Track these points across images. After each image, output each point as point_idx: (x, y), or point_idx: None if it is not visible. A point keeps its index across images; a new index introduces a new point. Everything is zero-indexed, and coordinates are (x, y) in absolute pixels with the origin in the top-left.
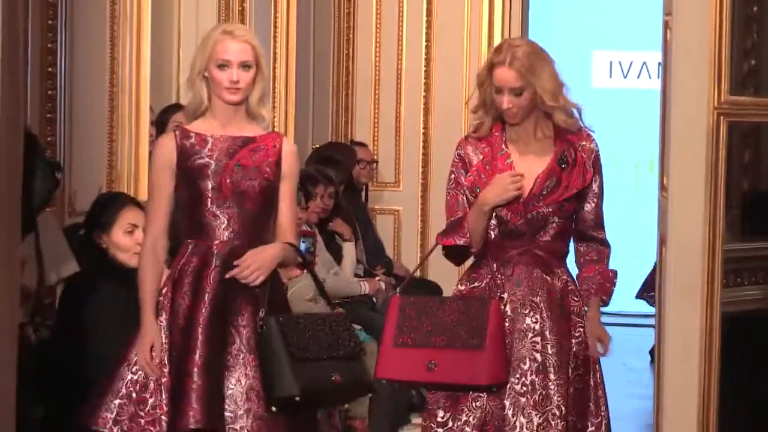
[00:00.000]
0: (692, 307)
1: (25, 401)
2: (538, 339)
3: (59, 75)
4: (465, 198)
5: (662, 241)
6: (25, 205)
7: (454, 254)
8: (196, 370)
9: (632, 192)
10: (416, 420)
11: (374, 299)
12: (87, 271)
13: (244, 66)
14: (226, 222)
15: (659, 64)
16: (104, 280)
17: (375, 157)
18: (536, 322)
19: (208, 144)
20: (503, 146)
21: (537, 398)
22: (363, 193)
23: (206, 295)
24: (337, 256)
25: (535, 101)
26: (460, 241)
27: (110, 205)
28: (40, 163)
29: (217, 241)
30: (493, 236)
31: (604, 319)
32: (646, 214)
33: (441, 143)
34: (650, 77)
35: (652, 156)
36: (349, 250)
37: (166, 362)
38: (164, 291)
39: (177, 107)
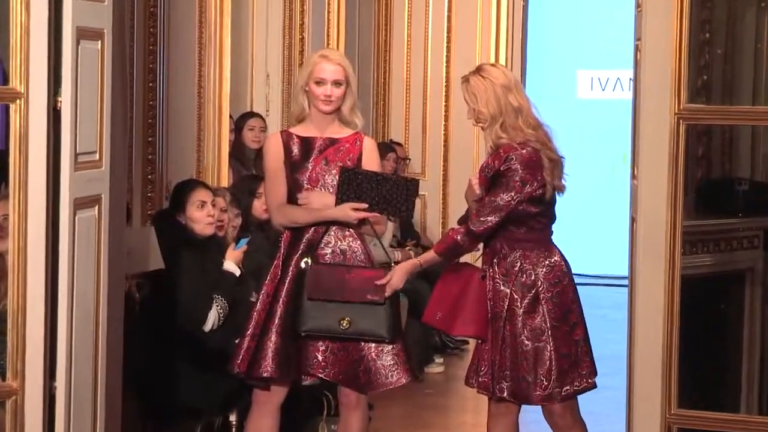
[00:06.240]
0: (658, 271)
1: (132, 346)
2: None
3: (158, 89)
4: None
5: (633, 219)
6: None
7: None
8: None
9: (609, 177)
10: (439, 360)
11: None
12: (172, 244)
13: (336, 83)
14: None
15: (630, 79)
16: (184, 249)
17: (408, 155)
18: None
19: (305, 143)
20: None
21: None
22: None
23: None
24: None
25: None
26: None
27: (184, 188)
28: None
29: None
30: None
31: (587, 280)
32: (620, 195)
33: (457, 143)
34: (623, 90)
35: (624, 151)
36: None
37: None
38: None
39: (251, 114)
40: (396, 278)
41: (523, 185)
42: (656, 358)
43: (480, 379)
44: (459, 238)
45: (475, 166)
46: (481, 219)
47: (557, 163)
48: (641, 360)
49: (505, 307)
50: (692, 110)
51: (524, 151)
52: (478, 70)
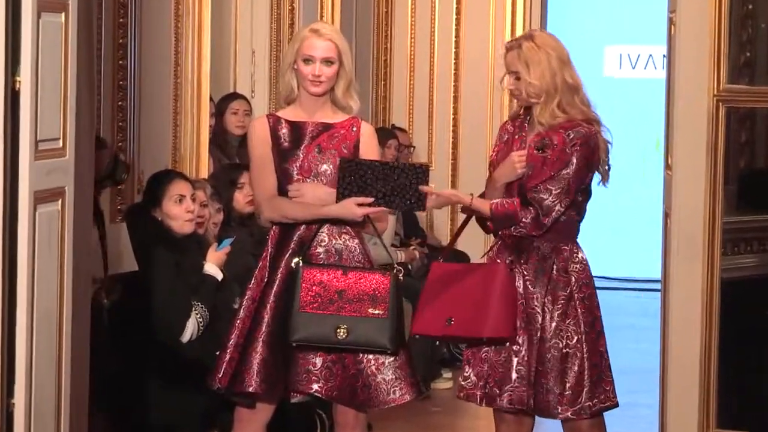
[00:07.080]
0: (694, 273)
1: (100, 357)
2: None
3: (130, 68)
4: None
5: (667, 214)
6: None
7: (484, 224)
8: None
9: (639, 166)
10: (447, 374)
11: (409, 266)
12: (145, 242)
13: (327, 62)
14: None
15: (664, 56)
16: (160, 248)
17: (412, 142)
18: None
19: (294, 129)
20: (525, 127)
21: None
22: None
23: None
24: None
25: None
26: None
27: (160, 180)
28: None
29: None
30: None
31: (614, 284)
32: (651, 188)
33: (468, 128)
34: (655, 68)
35: (657, 137)
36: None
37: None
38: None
39: (234, 96)
40: (435, 201)
41: (589, 166)
42: (693, 372)
43: (487, 391)
44: (526, 220)
45: (489, 154)
46: (549, 205)
47: (607, 148)
48: (676, 374)
49: (535, 308)
50: (733, 91)
51: (589, 128)
52: (531, 37)
